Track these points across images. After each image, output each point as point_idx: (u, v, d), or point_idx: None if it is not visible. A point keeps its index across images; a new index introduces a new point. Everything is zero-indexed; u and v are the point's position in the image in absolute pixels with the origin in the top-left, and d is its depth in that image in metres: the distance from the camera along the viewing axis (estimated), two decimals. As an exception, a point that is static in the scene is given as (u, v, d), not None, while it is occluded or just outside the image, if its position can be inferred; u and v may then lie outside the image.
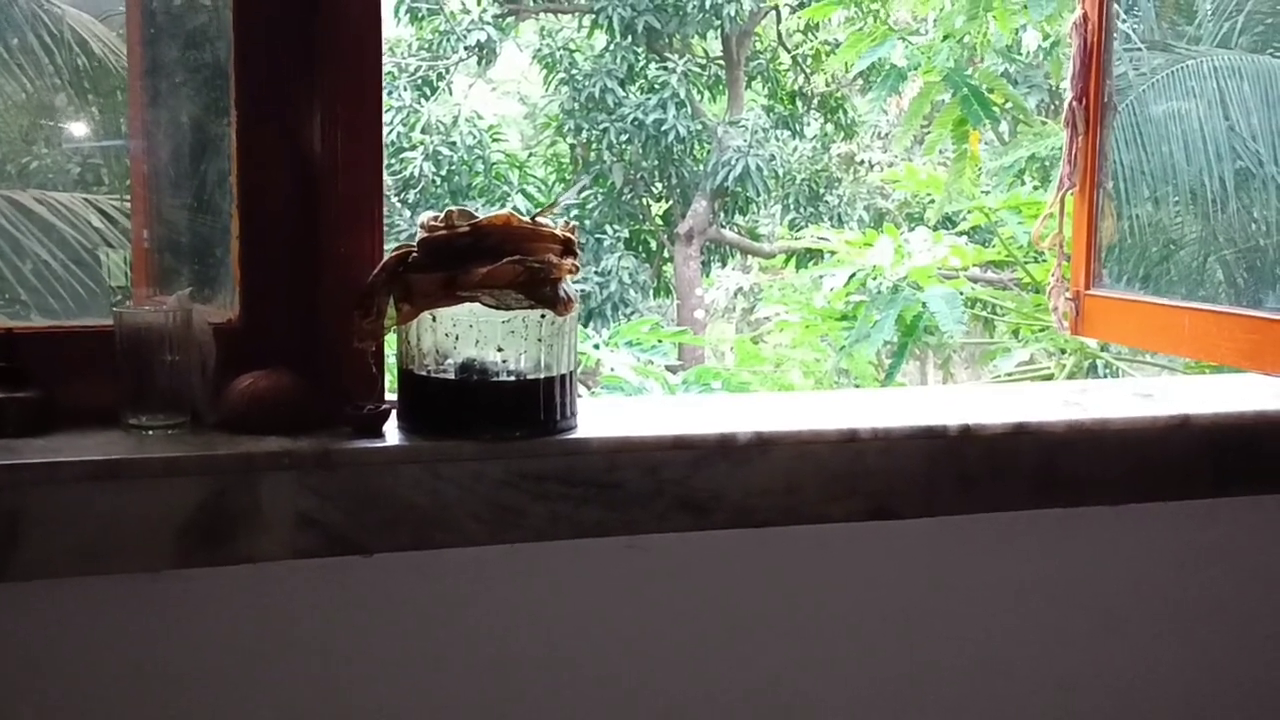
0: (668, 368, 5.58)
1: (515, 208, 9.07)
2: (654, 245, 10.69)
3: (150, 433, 1.18)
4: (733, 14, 9.64)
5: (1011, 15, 6.38)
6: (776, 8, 10.27)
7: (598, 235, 9.66)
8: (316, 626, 1.21)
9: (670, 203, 10.47)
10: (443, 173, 9.16)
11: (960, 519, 1.37)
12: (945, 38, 6.28)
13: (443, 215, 1.23)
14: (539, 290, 1.19)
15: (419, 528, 1.18)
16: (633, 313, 9.56)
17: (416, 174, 9.01)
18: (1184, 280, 2.30)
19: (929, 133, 7.30)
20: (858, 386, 6.58)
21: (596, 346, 5.12)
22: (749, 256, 11.49)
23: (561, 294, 1.21)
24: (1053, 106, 8.78)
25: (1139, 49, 2.26)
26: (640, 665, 1.32)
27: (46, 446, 1.13)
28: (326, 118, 1.24)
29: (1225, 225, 2.24)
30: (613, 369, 4.84)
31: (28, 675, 1.13)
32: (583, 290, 8.96)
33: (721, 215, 10.49)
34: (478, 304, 1.19)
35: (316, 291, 1.26)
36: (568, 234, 1.25)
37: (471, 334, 1.21)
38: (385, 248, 1.28)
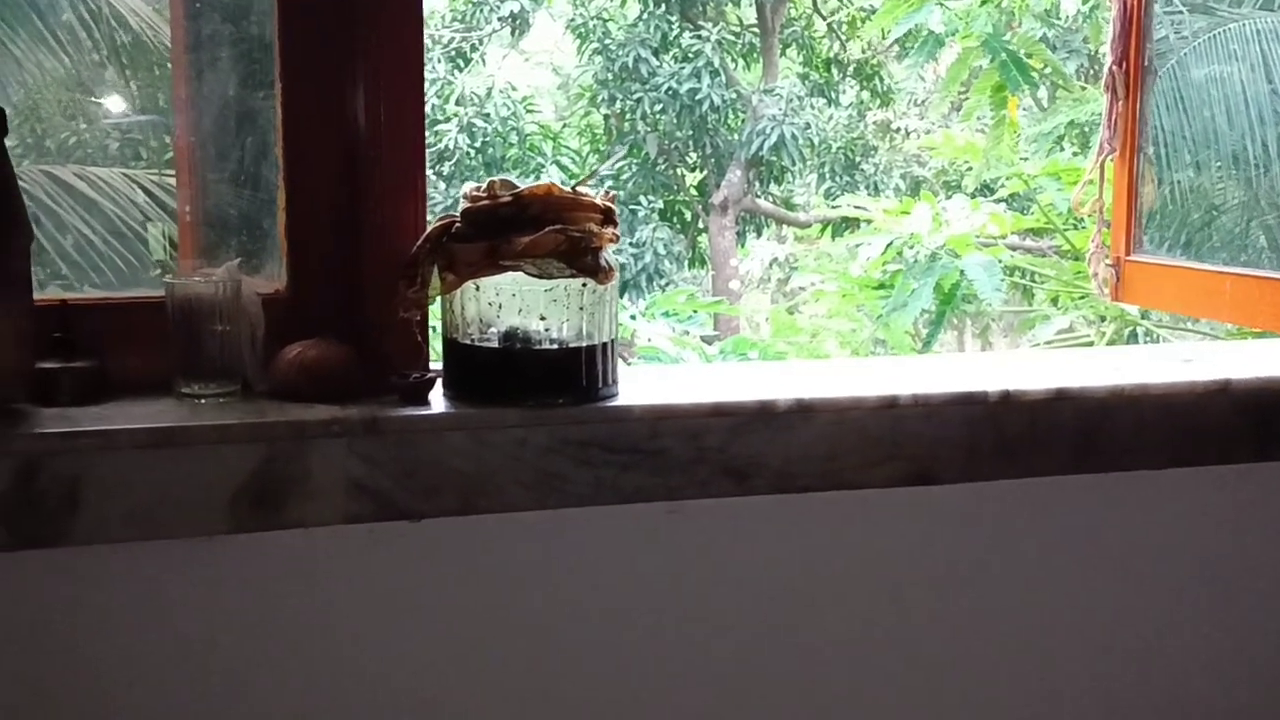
0: (703, 338, 5.59)
1: (550, 179, 9.09)
2: (689, 216, 10.67)
3: (202, 401, 1.20)
4: (767, -19, 9.58)
5: (1050, -21, 6.31)
6: (811, -26, 10.20)
7: (632, 206, 9.66)
8: (366, 589, 1.23)
9: (705, 173, 10.44)
10: (477, 144, 9.17)
11: (1000, 484, 1.38)
12: (984, 3, 6.22)
13: (485, 185, 1.24)
14: (580, 259, 1.21)
15: (465, 493, 1.20)
16: (668, 284, 9.56)
17: (451, 146, 9.02)
18: (1226, 245, 2.28)
19: (966, 99, 7.24)
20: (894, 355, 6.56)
21: (633, 318, 5.14)
22: (784, 226, 11.45)
23: (603, 263, 1.22)
24: (1092, 71, 8.68)
25: (1180, 12, 2.24)
26: (681, 628, 1.34)
27: (102, 414, 1.15)
28: (370, 90, 1.26)
29: (1268, 189, 2.22)
30: (649, 340, 4.85)
31: (87, 636, 1.17)
32: (618, 261, 8.96)
33: (756, 185, 10.45)
34: (520, 273, 1.20)
35: (362, 262, 1.28)
36: (608, 203, 1.26)
37: (514, 303, 1.23)
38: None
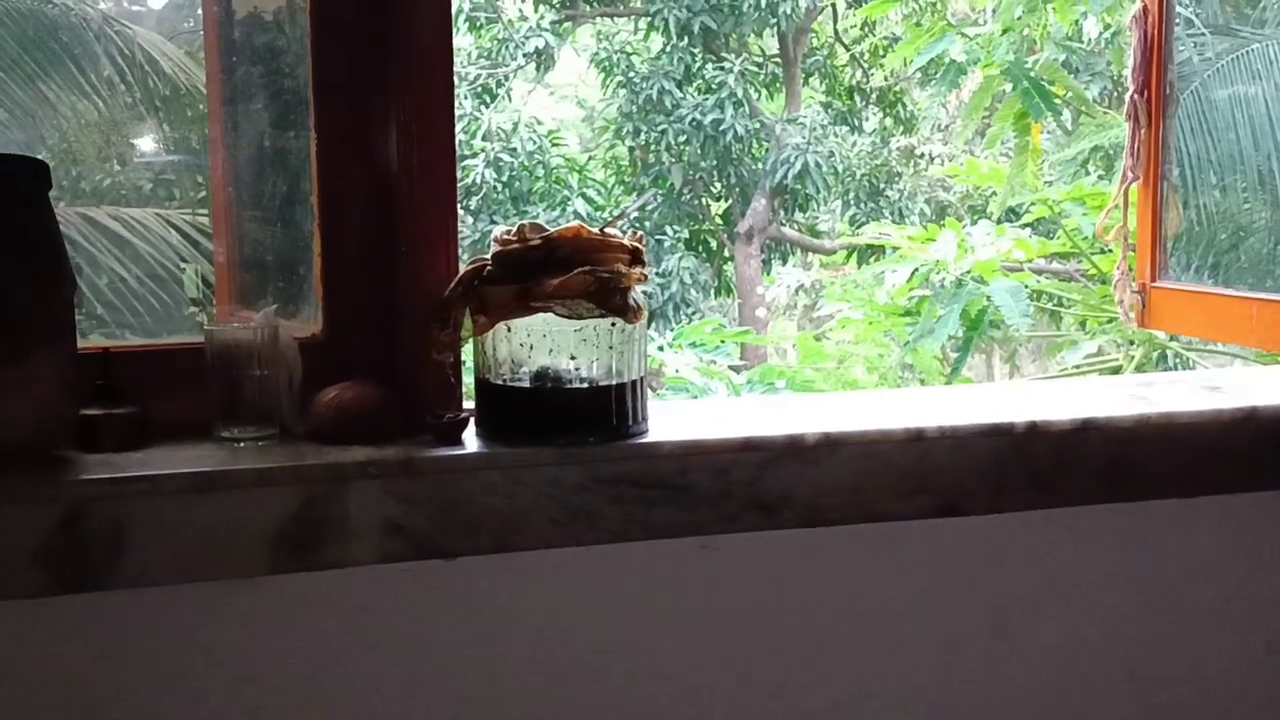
0: (730, 367, 5.61)
1: (576, 211, 9.14)
2: (714, 245, 10.71)
3: (242, 444, 1.23)
4: (789, 12, 9.64)
5: (1071, 6, 6.32)
6: (833, 4, 10.25)
7: (658, 236, 9.71)
8: (403, 628, 1.25)
9: (730, 202, 10.48)
10: (503, 179, 9.24)
11: (1029, 515, 1.39)
12: (1005, 31, 6.23)
13: (515, 229, 1.27)
14: (609, 299, 1.23)
15: (498, 531, 1.22)
16: (694, 313, 9.59)
17: (478, 181, 9.10)
18: (1253, 268, 2.28)
19: (989, 125, 7.25)
20: (922, 382, 6.56)
21: (661, 349, 5.16)
22: (810, 254, 11.47)
23: (631, 302, 1.25)
24: (1115, 94, 8.68)
25: (1202, 34, 2.25)
26: (713, 662, 1.35)
27: (145, 460, 1.18)
28: (402, 137, 1.28)
29: (1296, 212, 2.22)
30: (677, 370, 4.87)
31: (132, 678, 1.19)
32: (644, 291, 8.99)
33: (781, 213, 10.48)
34: (551, 314, 1.23)
35: (396, 306, 1.30)
36: (635, 244, 1.28)
37: (545, 343, 1.25)
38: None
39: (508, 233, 1.27)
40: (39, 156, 1.19)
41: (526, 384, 1.26)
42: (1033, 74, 6.07)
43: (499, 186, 9.25)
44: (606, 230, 1.27)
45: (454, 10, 1.35)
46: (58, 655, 1.17)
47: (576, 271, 1.22)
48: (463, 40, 9.92)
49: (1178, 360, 5.51)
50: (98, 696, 1.18)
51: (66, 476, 1.13)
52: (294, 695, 1.23)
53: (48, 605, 1.14)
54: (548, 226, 1.27)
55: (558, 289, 1.21)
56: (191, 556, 1.15)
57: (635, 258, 1.27)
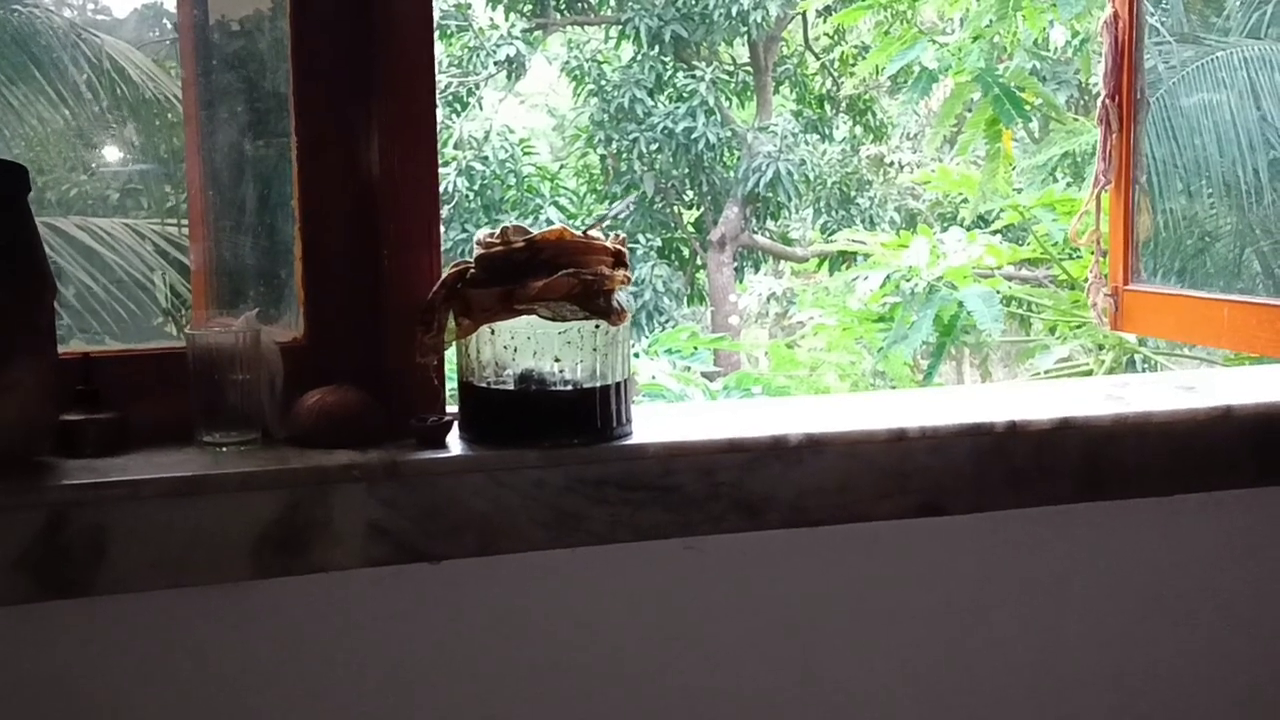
0: (704, 374, 5.62)
1: (548, 219, 9.15)
2: (687, 253, 10.74)
3: (224, 449, 1.22)
4: (759, 20, 9.68)
5: (1040, 14, 6.38)
6: (804, 13, 10.31)
7: (631, 245, 9.71)
8: (387, 632, 1.25)
9: (702, 210, 10.51)
10: (475, 187, 9.23)
11: (1009, 514, 1.40)
12: (976, 39, 6.28)
13: (498, 231, 1.27)
14: (593, 301, 1.23)
15: (483, 534, 1.22)
16: (667, 320, 9.61)
17: (450, 189, 9.08)
18: (1221, 272, 2.31)
19: (959, 132, 7.30)
20: (894, 388, 6.59)
21: (637, 355, 5.17)
22: (781, 261, 11.50)
23: (615, 304, 1.25)
24: (1082, 102, 8.76)
25: (1168, 42, 2.27)
26: (699, 663, 1.35)
27: (126, 465, 1.17)
28: (383, 141, 1.28)
29: (1260, 217, 2.25)
30: (653, 377, 4.88)
31: (115, 684, 1.18)
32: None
33: (753, 221, 10.51)
34: (535, 316, 1.23)
35: (378, 309, 1.30)
36: (619, 246, 1.28)
37: (529, 345, 1.25)
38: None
39: (491, 235, 1.27)
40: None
41: (511, 386, 1.26)
42: (1003, 81, 6.12)
43: (471, 195, 9.24)
44: (590, 233, 1.27)
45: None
46: (41, 661, 1.16)
47: (560, 274, 1.22)
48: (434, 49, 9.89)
49: (1146, 365, 5.57)
50: (82, 703, 1.17)
51: (48, 482, 1.12)
52: (279, 700, 1.23)
53: (30, 611, 1.13)
54: (531, 229, 1.27)
55: (542, 291, 1.22)
56: (174, 561, 1.14)
57: (618, 260, 1.27)
